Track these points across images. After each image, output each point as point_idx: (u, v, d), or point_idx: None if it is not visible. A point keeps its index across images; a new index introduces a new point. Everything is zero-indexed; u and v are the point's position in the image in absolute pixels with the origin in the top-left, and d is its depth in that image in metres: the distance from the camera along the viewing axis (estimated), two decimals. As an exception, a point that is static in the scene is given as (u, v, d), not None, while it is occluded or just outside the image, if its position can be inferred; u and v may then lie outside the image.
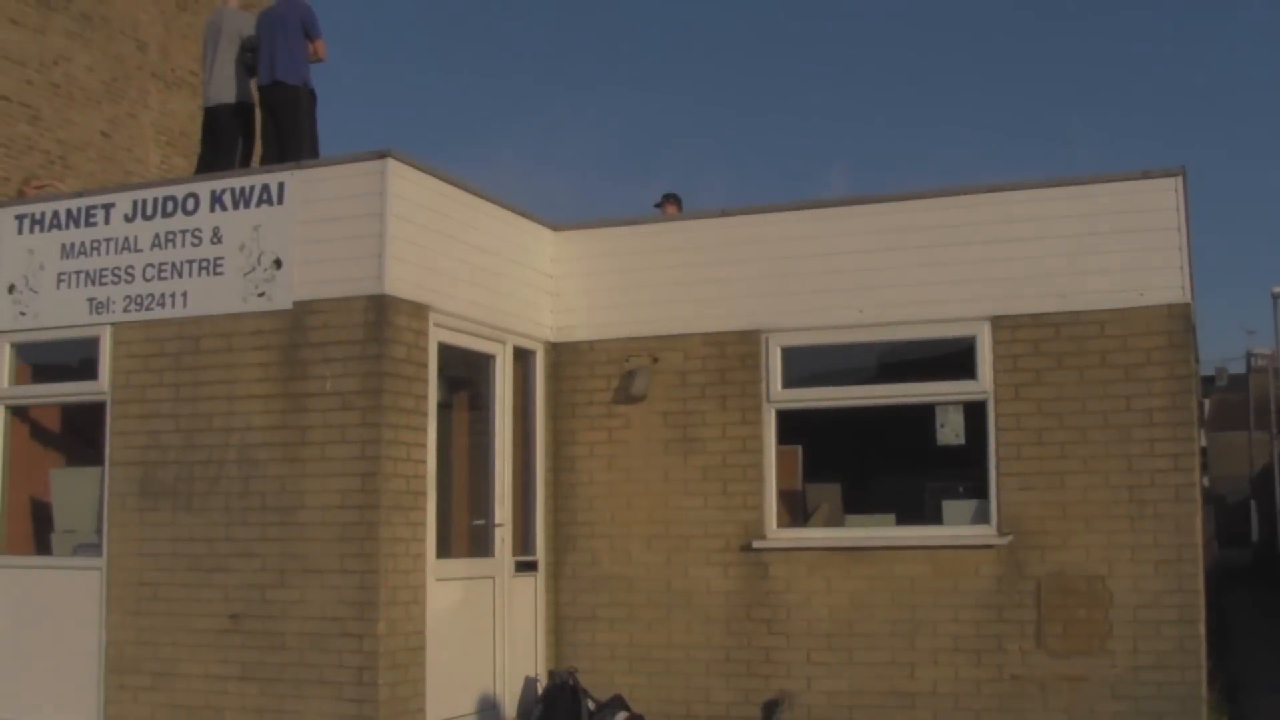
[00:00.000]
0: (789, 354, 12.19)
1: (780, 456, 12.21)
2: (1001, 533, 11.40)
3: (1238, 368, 73.36)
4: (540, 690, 11.82)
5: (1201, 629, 11.19)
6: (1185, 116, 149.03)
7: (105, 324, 11.71)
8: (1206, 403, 72.07)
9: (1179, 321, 11.28)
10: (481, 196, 12.03)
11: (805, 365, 12.30)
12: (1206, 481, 60.80)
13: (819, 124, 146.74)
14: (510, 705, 11.94)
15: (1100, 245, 11.48)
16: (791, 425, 12.27)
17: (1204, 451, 64.42)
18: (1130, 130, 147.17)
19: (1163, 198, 11.47)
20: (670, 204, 16.73)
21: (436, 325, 11.28)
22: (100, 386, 11.70)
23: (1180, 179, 11.49)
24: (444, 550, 11.37)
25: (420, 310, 11.08)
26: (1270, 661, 18.40)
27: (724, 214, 12.83)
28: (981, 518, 11.59)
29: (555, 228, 13.03)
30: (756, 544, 11.96)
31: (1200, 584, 11.24)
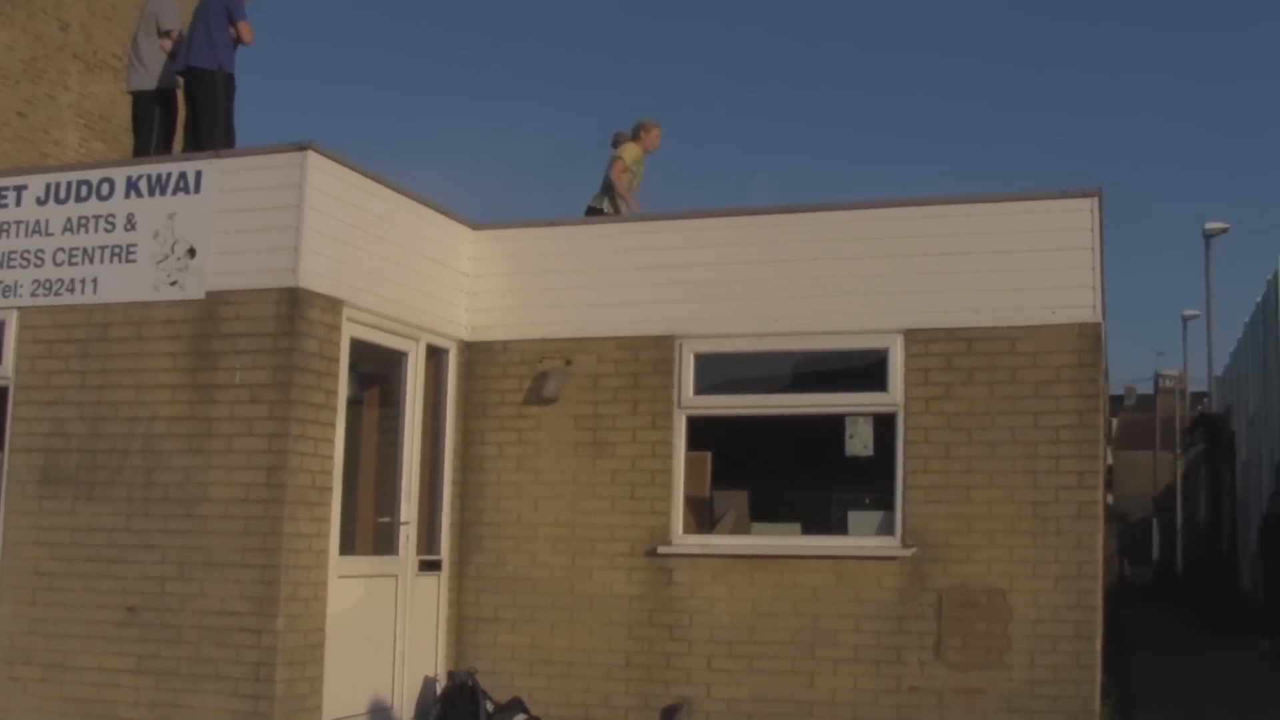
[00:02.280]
0: (703, 360, 12.20)
1: (690, 463, 12.21)
2: (906, 545, 11.46)
3: (1147, 388, 74.41)
4: (439, 690, 11.76)
5: (1098, 644, 11.31)
6: (1104, 141, 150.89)
7: (11, 308, 11.51)
8: (1114, 422, 73.01)
9: (1089, 340, 11.40)
10: (401, 192, 11.96)
11: (719, 372, 12.32)
12: (1111, 499, 61.61)
13: (745, 132, 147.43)
14: (409, 705, 11.86)
15: (1015, 262, 11.58)
16: (702, 432, 12.30)
17: (1110, 470, 65.26)
18: (1050, 150, 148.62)
19: (1078, 218, 11.59)
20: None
21: (350, 320, 11.20)
22: (3, 371, 11.50)
23: (1096, 200, 11.61)
24: (347, 547, 11.29)
25: (334, 305, 11.00)
26: (1164, 677, 18.62)
27: (643, 219, 12.86)
28: (887, 529, 11.66)
29: (475, 226, 12.98)
30: (662, 549, 11.95)
31: (1098, 600, 11.36)
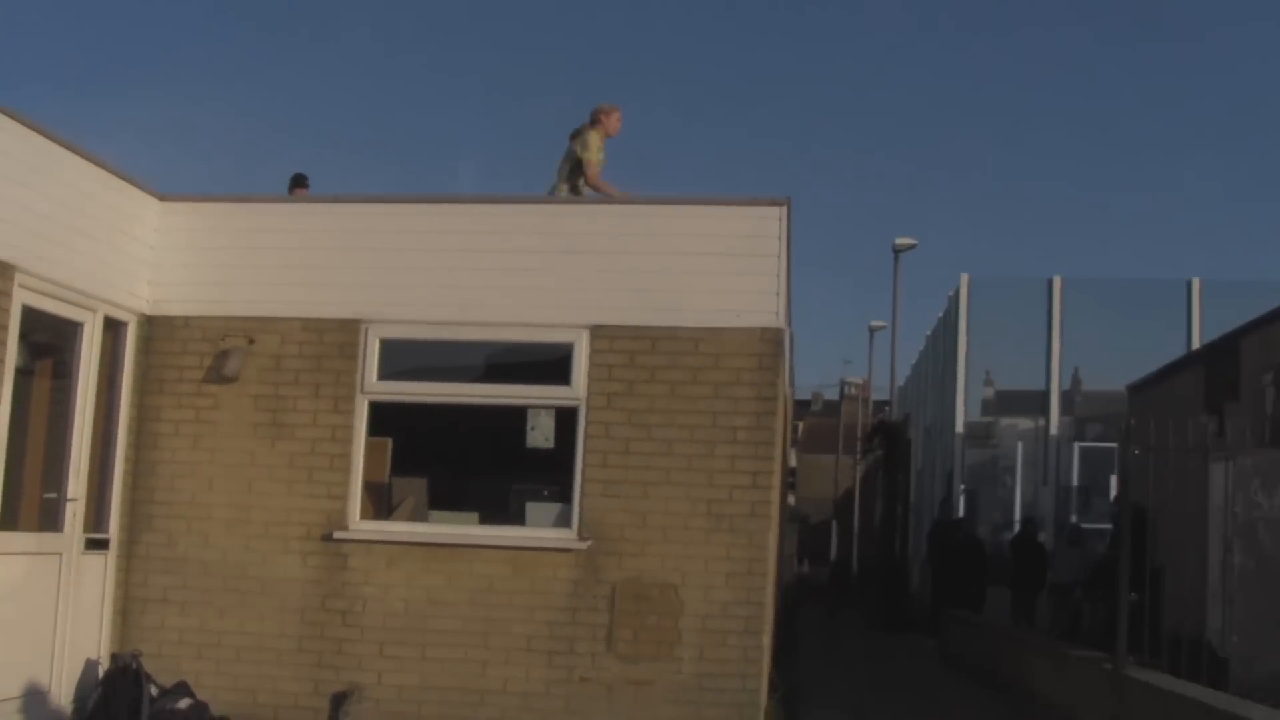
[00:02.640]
0: (388, 346, 12.11)
1: (370, 448, 12.13)
2: (582, 537, 11.58)
3: (834, 394, 76.45)
4: (101, 674, 11.43)
5: (765, 640, 11.62)
6: (806, 151, 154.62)
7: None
8: (800, 425, 74.92)
9: (770, 345, 11.70)
10: (84, 156, 11.54)
11: (405, 359, 12.26)
12: (793, 501, 63.27)
13: (452, 121, 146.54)
14: (68, 688, 11.46)
15: (703, 265, 11.80)
16: (385, 418, 12.22)
17: (793, 472, 66.81)
18: (752, 160, 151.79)
19: (766, 225, 11.87)
20: (299, 186, 16.47)
21: (22, 287, 10.75)
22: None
23: (785, 209, 11.92)
24: (9, 523, 10.88)
25: (5, 270, 10.56)
26: (832, 674, 19.22)
27: (335, 200, 12.71)
28: (564, 522, 11.77)
29: (162, 197, 12.62)
30: (338, 534, 11.83)
31: (767, 597, 11.67)
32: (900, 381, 43.21)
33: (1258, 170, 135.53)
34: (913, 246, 38.36)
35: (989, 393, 35.17)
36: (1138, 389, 24.52)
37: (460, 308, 12.01)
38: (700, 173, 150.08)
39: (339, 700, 11.54)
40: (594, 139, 13.68)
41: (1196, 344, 27.27)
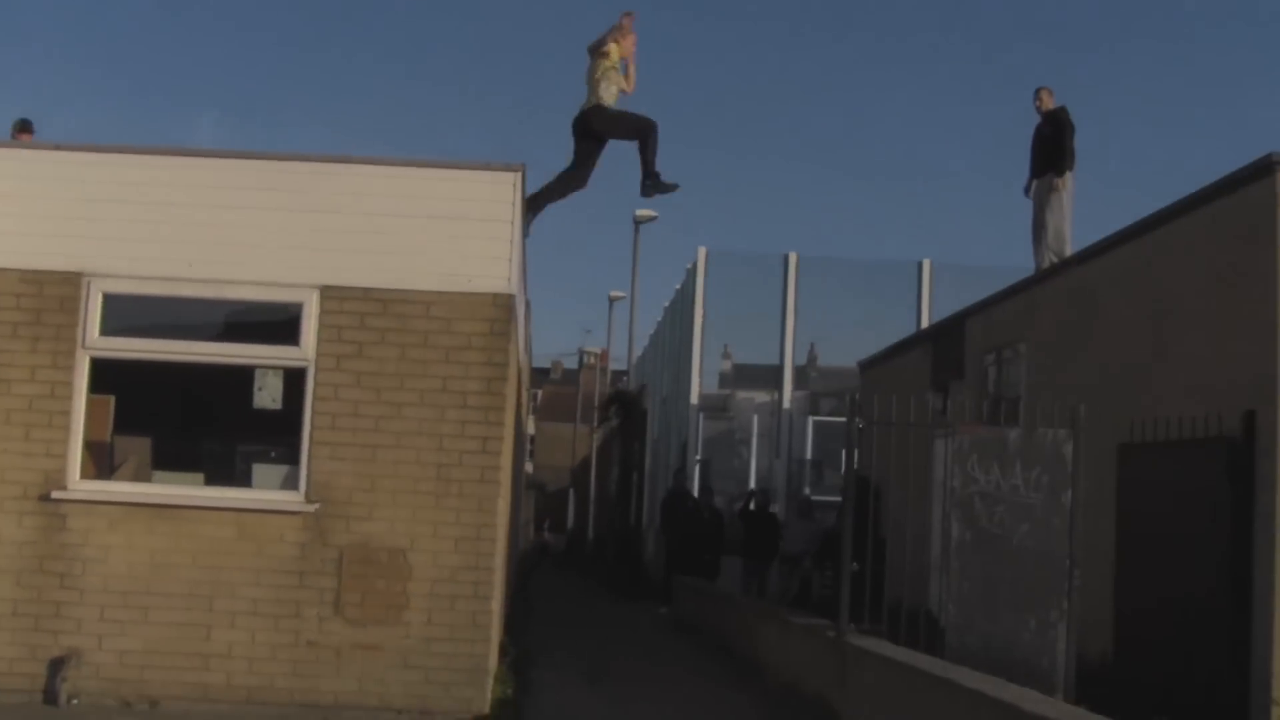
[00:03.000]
0: (112, 301, 11.78)
1: (92, 406, 11.79)
2: (310, 500, 11.47)
3: (573, 363, 76.94)
4: None
5: (495, 605, 11.68)
6: (553, 120, 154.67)
7: None
8: (539, 393, 75.25)
9: (502, 311, 11.73)
10: None
11: (131, 315, 11.92)
12: (531, 468, 63.46)
13: (192, 72, 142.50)
14: None
15: (436, 229, 11.78)
16: (108, 375, 11.88)
17: (532, 439, 66.93)
18: (483, 124, 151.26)
19: (500, 191, 11.90)
20: (23, 131, 15.95)
21: None
22: None
23: (519, 175, 11.96)
24: None
25: None
26: (565, 639, 19.37)
27: (57, 148, 12.28)
28: (291, 484, 11.65)
29: (-128, 139, 12.09)
30: (56, 494, 11.48)
31: (496, 562, 11.73)
32: (639, 352, 43.68)
33: (988, 160, 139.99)
34: (653, 219, 38.79)
35: (726, 365, 35.78)
36: (868, 365, 25.24)
37: (187, 264, 11.74)
38: (438, 139, 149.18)
39: (57, 666, 11.22)
40: (614, 53, 14.00)
41: (925, 324, 28.15)
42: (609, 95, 14.25)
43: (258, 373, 11.87)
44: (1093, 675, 12.15)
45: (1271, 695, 10.68)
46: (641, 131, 14.27)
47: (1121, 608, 12.73)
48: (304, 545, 11.47)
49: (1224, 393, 11.65)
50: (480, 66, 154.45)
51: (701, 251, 30.73)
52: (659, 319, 40.56)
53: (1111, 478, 12.87)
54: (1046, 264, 17.64)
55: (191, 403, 12.63)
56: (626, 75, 14.41)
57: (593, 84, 14.27)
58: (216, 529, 11.50)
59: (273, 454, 11.95)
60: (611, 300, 50.77)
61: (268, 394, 11.84)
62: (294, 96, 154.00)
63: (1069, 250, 17.37)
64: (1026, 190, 18.91)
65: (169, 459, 12.35)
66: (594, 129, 14.34)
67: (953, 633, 11.56)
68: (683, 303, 33.18)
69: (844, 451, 13.02)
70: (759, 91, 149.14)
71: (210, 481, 11.95)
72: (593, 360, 62.76)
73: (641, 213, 38.75)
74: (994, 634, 11.29)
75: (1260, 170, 11.55)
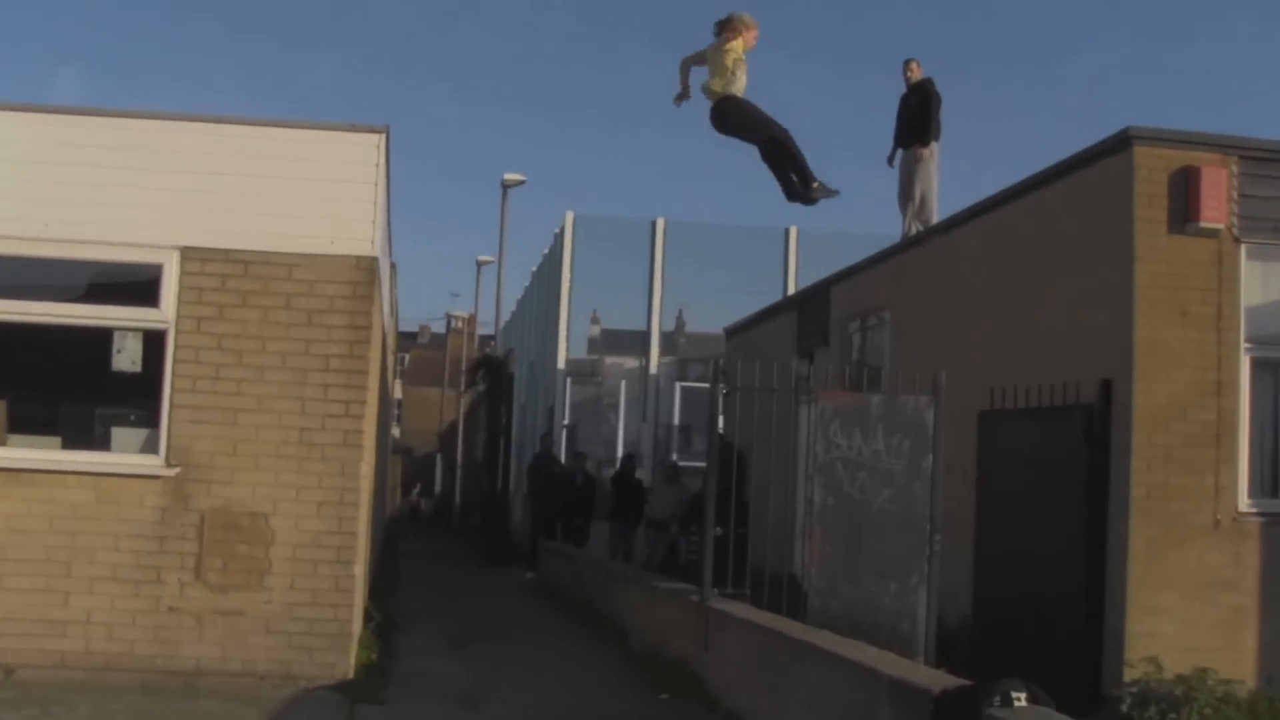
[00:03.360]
0: (-34, 262, 11.52)
1: (-54, 370, 11.55)
2: (170, 464, 11.33)
3: (441, 327, 76.53)
4: None
5: (358, 569, 11.63)
6: (426, 86, 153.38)
7: None
8: (406, 357, 74.84)
9: (365, 274, 11.64)
10: None
11: (-14, 276, 11.68)
12: (399, 433, 63.12)
13: (51, 25, 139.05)
14: None
15: (299, 190, 11.67)
16: (-39, 338, 11.63)
17: (399, 404, 66.49)
18: (353, 87, 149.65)
19: (363, 152, 11.81)
20: None
21: None
22: None
23: (383, 137, 11.87)
24: None
25: None
26: (431, 604, 19.37)
27: (-90, 105, 11.97)
28: (151, 448, 11.49)
29: None
30: (-91, 459, 11.24)
31: (360, 527, 11.67)
32: (506, 317, 43.59)
33: (850, 129, 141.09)
34: (521, 183, 38.63)
35: (595, 331, 35.84)
36: (734, 331, 25.40)
37: (44, 224, 11.48)
38: (303, 100, 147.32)
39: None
40: (737, 48, 12.51)
41: (792, 290, 28.35)
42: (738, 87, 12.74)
43: (117, 335, 11.66)
44: (953, 638, 12.38)
45: (1125, 656, 10.92)
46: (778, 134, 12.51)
47: (981, 572, 12.94)
48: (164, 510, 11.33)
49: (1082, 361, 11.87)
50: (347, 28, 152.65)
51: (569, 216, 30.70)
52: (527, 284, 40.50)
53: (972, 444, 13.06)
54: (913, 232, 17.84)
55: (49, 366, 12.38)
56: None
57: (720, 69, 12.40)
58: (74, 493, 11.31)
59: (132, 417, 11.78)
60: (479, 264, 50.62)
61: (127, 356, 11.64)
62: (157, 54, 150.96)
63: (935, 219, 17.58)
64: (891, 160, 19.10)
65: (25, 422, 12.07)
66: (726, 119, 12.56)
67: (815, 597, 11.70)
68: (550, 267, 33.14)
69: (708, 417, 13.07)
70: (627, 57, 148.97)
71: (68, 445, 11.75)
72: (460, 324, 62.50)
73: (509, 176, 38.57)
74: (855, 598, 11.43)
75: (1118, 144, 11.79)
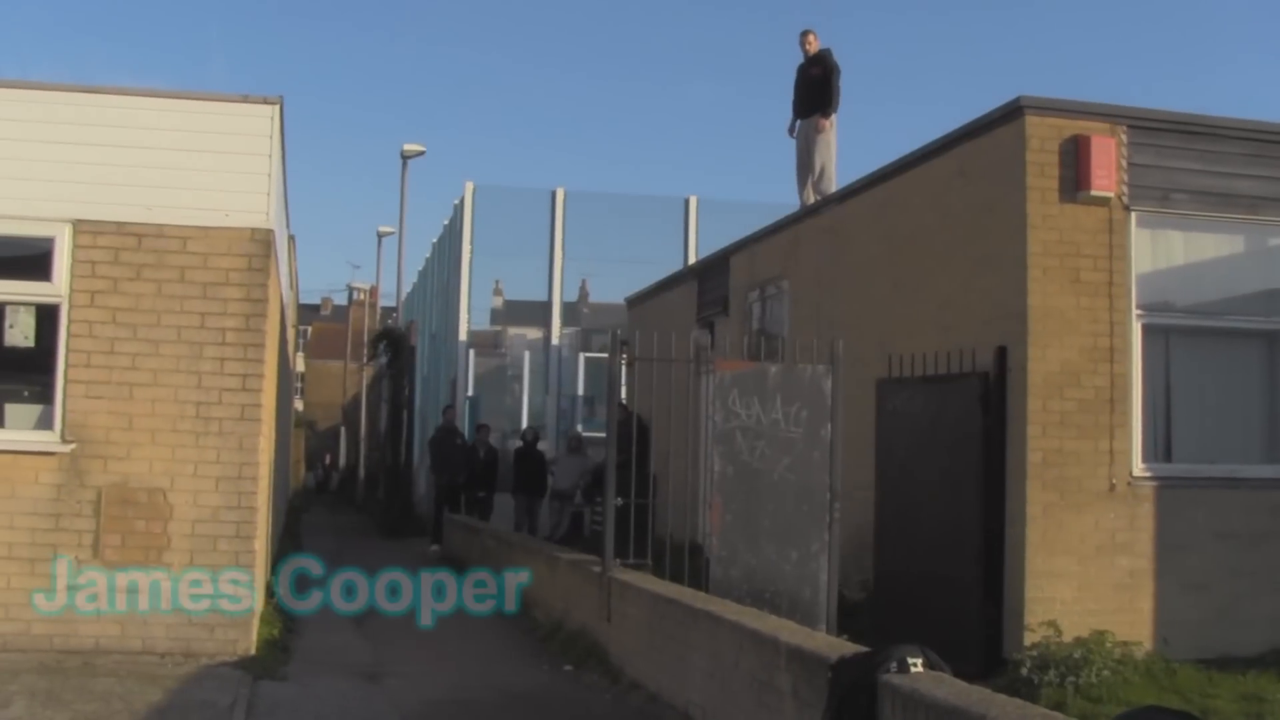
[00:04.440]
0: None
1: None
2: (65, 440, 11.21)
3: (342, 299, 76.08)
4: None
5: (258, 544, 11.59)
6: (325, 53, 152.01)
7: None
8: (309, 330, 74.33)
9: (261, 246, 11.55)
10: None
11: None
12: (301, 406, 62.74)
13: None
14: None
15: (192, 162, 11.55)
16: None
17: (302, 377, 66.07)
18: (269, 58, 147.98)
19: (257, 124, 11.72)
20: None
21: None
22: None
23: (277, 108, 11.78)
24: None
25: None
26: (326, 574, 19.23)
27: None
28: (45, 424, 11.38)
29: None
30: None
31: (259, 502, 11.61)
32: (408, 289, 43.35)
33: (748, 97, 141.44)
34: (421, 153, 38.33)
35: (498, 302, 35.72)
36: (636, 301, 25.40)
37: (-69, 197, 11.30)
38: (195, 71, 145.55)
39: None
40: None
41: (693, 260, 28.39)
42: None
43: (9, 310, 11.49)
44: (855, 606, 12.49)
45: (1024, 620, 11.07)
46: None
47: (882, 539, 13.05)
48: (60, 486, 11.21)
49: (977, 329, 11.99)
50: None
51: (469, 186, 30.50)
52: (428, 255, 40.29)
53: (871, 412, 13.16)
54: (812, 202, 17.92)
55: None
56: None
57: None
58: (-34, 471, 11.16)
59: (25, 393, 11.64)
60: (380, 235, 50.25)
61: (19, 331, 11.49)
62: (43, 21, 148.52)
63: (834, 189, 17.67)
64: (791, 130, 19.19)
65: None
66: None
67: (717, 566, 11.75)
68: (451, 238, 32.95)
69: (607, 388, 13.10)
70: (528, 27, 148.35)
71: (-40, 422, 11.55)
72: (362, 296, 62.09)
73: (409, 147, 38.25)
74: (757, 566, 11.50)
75: (1010, 113, 11.89)
